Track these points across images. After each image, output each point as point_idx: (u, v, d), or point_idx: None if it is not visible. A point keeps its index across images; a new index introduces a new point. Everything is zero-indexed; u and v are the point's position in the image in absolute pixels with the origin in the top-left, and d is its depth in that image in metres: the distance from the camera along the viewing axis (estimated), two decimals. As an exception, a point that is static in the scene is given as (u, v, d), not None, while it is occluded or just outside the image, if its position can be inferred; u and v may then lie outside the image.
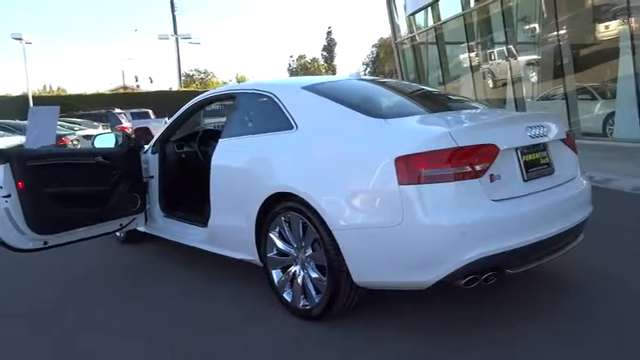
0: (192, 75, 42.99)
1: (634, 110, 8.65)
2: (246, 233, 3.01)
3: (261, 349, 2.48)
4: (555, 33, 11.42)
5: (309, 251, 2.68)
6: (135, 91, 32.66)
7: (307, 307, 2.69)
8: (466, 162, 2.24)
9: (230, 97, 3.55)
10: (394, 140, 2.35)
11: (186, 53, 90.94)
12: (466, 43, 14.06)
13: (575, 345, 2.29)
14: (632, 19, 8.42)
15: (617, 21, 9.70)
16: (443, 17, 14.18)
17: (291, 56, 68.49)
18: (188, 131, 4.57)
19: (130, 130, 18.66)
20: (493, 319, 2.56)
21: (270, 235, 2.86)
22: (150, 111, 22.55)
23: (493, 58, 14.38)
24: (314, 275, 2.64)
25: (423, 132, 2.43)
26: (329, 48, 55.96)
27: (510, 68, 12.85)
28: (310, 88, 3.01)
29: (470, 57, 14.13)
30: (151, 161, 4.07)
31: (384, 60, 42.21)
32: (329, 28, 69.58)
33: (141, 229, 4.22)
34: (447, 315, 2.66)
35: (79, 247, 3.74)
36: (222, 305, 3.05)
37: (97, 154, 3.81)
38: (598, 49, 10.65)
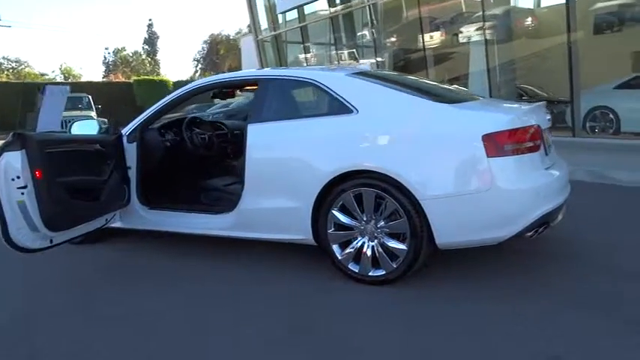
0: (1, 64, 36.65)
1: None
2: (300, 213, 3.13)
3: (349, 311, 2.70)
4: (401, 38, 13.12)
5: (382, 222, 2.96)
6: None
7: (381, 274, 2.97)
8: (530, 138, 2.80)
9: (250, 82, 3.58)
10: (476, 121, 2.79)
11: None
12: (324, 43, 15.08)
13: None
14: (487, 23, 10.17)
15: (464, 26, 11.57)
16: (307, 18, 14.97)
17: (106, 48, 63.21)
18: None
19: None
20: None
21: (333, 212, 3.05)
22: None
23: (344, 58, 15.71)
24: (391, 243, 2.92)
25: (497, 114, 2.91)
26: (150, 41, 53.23)
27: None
28: (354, 76, 3.28)
29: (327, 56, 15.19)
30: (127, 151, 3.80)
31: (224, 56, 41.89)
32: (150, 20, 65.88)
33: (117, 224, 3.90)
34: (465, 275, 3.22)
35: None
36: (286, 284, 3.14)
37: (93, 142, 3.47)
38: (446, 52, 12.49)
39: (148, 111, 3.91)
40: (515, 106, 3.03)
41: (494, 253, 3.25)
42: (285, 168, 3.21)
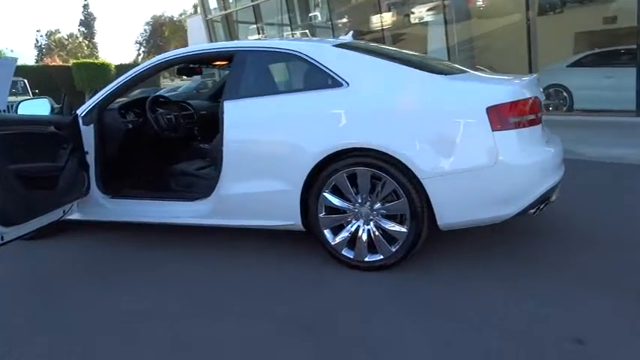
0: None
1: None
2: (287, 197, 2.89)
3: (348, 301, 2.50)
4: (357, 17, 12.94)
5: (378, 204, 2.76)
6: None
7: (378, 259, 2.77)
8: (532, 111, 2.66)
9: (226, 55, 3.26)
10: (478, 93, 2.62)
11: None
12: (277, 24, 14.64)
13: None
14: (444, 2, 10.11)
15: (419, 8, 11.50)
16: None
17: (38, 31, 59.41)
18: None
19: None
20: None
21: (325, 194, 2.82)
22: None
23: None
24: (390, 226, 2.74)
25: (500, 86, 2.73)
26: (87, 23, 50.58)
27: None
28: (342, 47, 3.03)
29: (280, 36, 14.77)
30: (84, 134, 3.40)
31: (169, 38, 40.26)
32: (85, 0, 62.07)
33: (74, 216, 3.51)
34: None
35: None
36: (275, 273, 2.89)
37: (47, 123, 3.05)
38: (401, 32, 12.40)
39: (106, 89, 3.51)
40: (512, 78, 2.90)
41: (482, 231, 3.13)
42: (268, 148, 2.94)
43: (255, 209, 3.03)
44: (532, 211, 2.69)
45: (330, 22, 13.33)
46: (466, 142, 2.57)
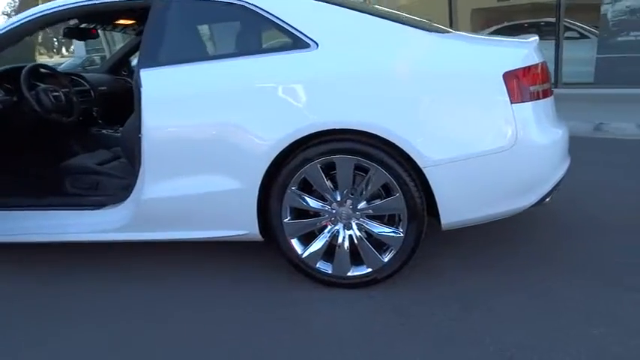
0: None
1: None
2: (238, 199, 2.16)
3: (333, 334, 1.86)
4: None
5: (363, 203, 2.11)
6: None
7: (365, 273, 2.15)
8: (547, 78, 2.16)
9: (135, 7, 2.36)
10: (491, 56, 2.03)
11: None
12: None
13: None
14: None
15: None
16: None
17: None
18: None
19: None
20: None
21: (291, 192, 2.12)
22: None
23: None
24: (379, 230, 2.11)
25: (512, 48, 2.15)
26: None
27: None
28: (300, -4, 2.30)
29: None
30: None
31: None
32: None
33: None
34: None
35: None
36: (226, 297, 2.14)
37: None
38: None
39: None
40: (514, 39, 2.38)
41: (473, 230, 2.62)
42: (210, 133, 2.14)
43: (192, 217, 2.24)
44: (548, 199, 2.22)
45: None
46: (478, 119, 1.99)
